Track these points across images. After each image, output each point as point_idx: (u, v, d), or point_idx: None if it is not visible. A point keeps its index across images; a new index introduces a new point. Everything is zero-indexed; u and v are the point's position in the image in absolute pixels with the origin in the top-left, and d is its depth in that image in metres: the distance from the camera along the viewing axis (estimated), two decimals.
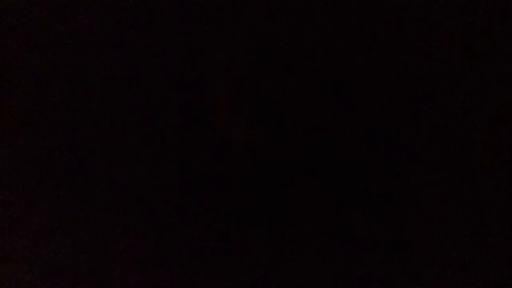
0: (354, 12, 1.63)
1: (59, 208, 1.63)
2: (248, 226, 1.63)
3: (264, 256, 1.62)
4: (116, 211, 1.63)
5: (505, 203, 1.58)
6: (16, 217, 1.64)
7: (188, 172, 1.65)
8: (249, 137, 1.65)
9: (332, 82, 1.64)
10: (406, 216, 1.61)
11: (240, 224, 1.63)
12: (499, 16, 1.59)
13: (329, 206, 1.62)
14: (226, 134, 1.65)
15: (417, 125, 1.61)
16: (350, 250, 1.61)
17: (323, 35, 1.64)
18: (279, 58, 1.65)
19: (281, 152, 1.65)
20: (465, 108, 1.60)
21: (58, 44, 1.65)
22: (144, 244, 1.63)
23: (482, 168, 1.59)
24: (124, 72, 1.65)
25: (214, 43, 1.65)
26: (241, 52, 1.66)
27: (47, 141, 1.64)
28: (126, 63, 1.65)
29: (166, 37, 1.65)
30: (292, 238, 1.62)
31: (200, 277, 1.62)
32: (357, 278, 1.60)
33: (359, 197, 1.62)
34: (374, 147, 1.62)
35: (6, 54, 1.65)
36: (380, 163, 1.62)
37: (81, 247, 1.62)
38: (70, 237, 1.63)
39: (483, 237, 1.58)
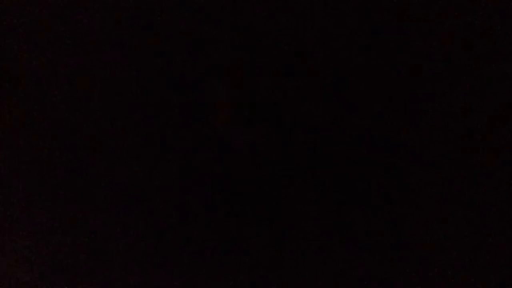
0: (354, 12, 1.63)
1: (59, 208, 1.63)
2: (248, 226, 1.63)
3: (264, 256, 1.62)
4: (116, 211, 1.63)
5: (505, 203, 1.58)
6: (16, 217, 1.64)
7: (188, 172, 1.65)
8: (249, 137, 1.65)
9: (332, 82, 1.64)
10: (406, 216, 1.61)
11: (240, 224, 1.63)
12: (499, 16, 1.59)
13: (329, 206, 1.62)
14: (226, 134, 1.65)
15: (417, 125, 1.61)
16: (350, 250, 1.61)
17: (323, 35, 1.64)
18: (279, 58, 1.65)
19: (281, 152, 1.65)
20: (465, 108, 1.60)
21: (58, 44, 1.65)
22: (144, 244, 1.63)
23: (482, 168, 1.59)
24: (124, 72, 1.65)
25: (214, 43, 1.65)
26: (241, 52, 1.66)
27: (47, 141, 1.64)
28: (126, 63, 1.65)
29: (166, 37, 1.65)
30: (292, 238, 1.62)
31: (200, 277, 1.62)
32: (357, 278, 1.60)
33: (359, 197, 1.62)
34: (374, 147, 1.62)
35: (6, 54, 1.65)
36: (380, 163, 1.62)
37: (81, 247, 1.62)
38: (70, 237, 1.63)
39: (483, 237, 1.58)
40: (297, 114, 1.65)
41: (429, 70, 1.61)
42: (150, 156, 1.64)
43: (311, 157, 1.64)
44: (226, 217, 1.63)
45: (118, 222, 1.63)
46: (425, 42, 1.61)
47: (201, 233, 1.63)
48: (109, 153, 1.64)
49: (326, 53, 1.64)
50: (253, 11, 1.64)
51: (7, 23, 1.64)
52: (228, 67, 1.65)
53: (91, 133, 1.64)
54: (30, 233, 1.63)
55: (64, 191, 1.64)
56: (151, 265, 1.62)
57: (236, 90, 1.66)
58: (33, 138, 1.64)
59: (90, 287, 1.61)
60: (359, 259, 1.60)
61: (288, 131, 1.64)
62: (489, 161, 1.59)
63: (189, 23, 1.65)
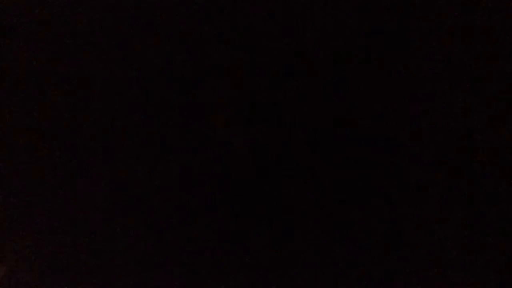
0: (354, 12, 1.63)
1: (59, 208, 1.63)
2: (248, 226, 1.63)
3: (264, 256, 1.62)
4: (116, 211, 1.64)
5: (505, 203, 1.58)
6: (16, 217, 1.64)
7: (188, 172, 1.65)
8: (248, 137, 1.66)
9: (332, 82, 1.64)
10: (406, 216, 1.61)
11: (240, 224, 1.63)
12: (499, 16, 1.59)
13: (329, 206, 1.62)
14: (226, 134, 1.65)
15: (417, 125, 1.61)
16: (350, 250, 1.61)
17: (323, 35, 1.64)
18: (279, 58, 1.65)
19: (281, 152, 1.65)
20: (465, 108, 1.60)
21: (58, 44, 1.65)
22: (144, 244, 1.63)
23: (482, 168, 1.59)
24: (124, 72, 1.65)
25: (214, 43, 1.65)
26: (241, 52, 1.66)
27: (47, 141, 1.64)
28: (126, 63, 1.65)
29: (166, 37, 1.66)
30: (292, 238, 1.62)
31: (200, 277, 1.62)
32: (357, 278, 1.60)
33: (359, 197, 1.62)
34: (374, 147, 1.62)
35: (6, 54, 1.65)
36: (380, 163, 1.62)
37: (81, 247, 1.62)
38: (70, 237, 1.63)
39: (483, 237, 1.58)
40: (297, 114, 1.65)
41: (429, 70, 1.61)
42: (150, 156, 1.65)
43: (311, 157, 1.64)
44: (226, 217, 1.63)
45: (118, 222, 1.63)
46: (425, 42, 1.61)
47: (201, 233, 1.63)
48: (109, 153, 1.64)
49: (326, 53, 1.64)
50: (253, 11, 1.64)
51: (7, 23, 1.64)
52: (228, 67, 1.65)
53: (91, 133, 1.64)
54: (30, 233, 1.63)
55: (64, 191, 1.64)
56: (151, 265, 1.62)
57: (236, 90, 1.66)
58: (33, 138, 1.64)
59: (90, 287, 1.61)
60: (359, 259, 1.60)
61: (288, 131, 1.64)
62: (489, 161, 1.59)
63: (189, 23, 1.65)
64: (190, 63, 1.65)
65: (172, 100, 1.65)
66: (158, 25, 1.65)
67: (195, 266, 1.62)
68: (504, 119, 1.59)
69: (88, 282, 1.61)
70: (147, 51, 1.65)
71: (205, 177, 1.64)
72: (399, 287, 1.59)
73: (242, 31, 1.65)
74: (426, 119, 1.61)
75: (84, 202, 1.63)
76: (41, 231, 1.63)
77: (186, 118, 1.65)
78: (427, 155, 1.61)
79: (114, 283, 1.61)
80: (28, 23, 1.65)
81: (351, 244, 1.61)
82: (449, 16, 1.60)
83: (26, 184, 1.64)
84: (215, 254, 1.62)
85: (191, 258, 1.62)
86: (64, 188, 1.64)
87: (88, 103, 1.65)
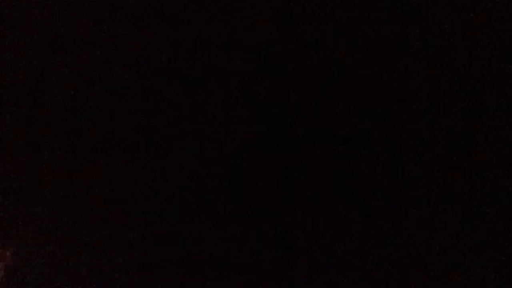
0: (354, 12, 1.63)
1: (59, 208, 1.63)
2: (248, 226, 1.63)
3: (264, 256, 1.62)
4: (116, 211, 1.63)
5: (505, 203, 1.58)
6: (16, 217, 1.64)
7: (188, 172, 1.65)
8: (248, 137, 1.66)
9: (332, 82, 1.65)
10: (406, 216, 1.61)
11: (240, 224, 1.63)
12: (499, 16, 1.59)
13: (329, 206, 1.62)
14: (225, 134, 1.65)
15: (417, 125, 1.61)
16: (350, 250, 1.61)
17: (323, 35, 1.64)
18: (280, 58, 1.65)
19: (281, 152, 1.65)
20: (465, 108, 1.60)
21: (58, 44, 1.65)
22: (144, 244, 1.63)
23: (482, 168, 1.59)
24: (124, 72, 1.65)
25: (214, 43, 1.65)
26: (241, 52, 1.66)
27: (47, 141, 1.64)
28: (126, 63, 1.65)
29: (166, 37, 1.65)
30: (292, 238, 1.62)
31: (200, 277, 1.62)
32: (357, 278, 1.60)
33: (359, 197, 1.62)
34: (374, 147, 1.62)
35: (6, 54, 1.65)
36: (380, 163, 1.62)
37: (81, 247, 1.62)
38: (70, 237, 1.63)
39: (483, 237, 1.58)
40: (297, 114, 1.65)
41: (429, 70, 1.61)
42: (150, 156, 1.64)
43: (311, 156, 1.64)
44: (226, 217, 1.63)
45: (118, 222, 1.63)
46: (425, 42, 1.61)
47: (201, 233, 1.63)
48: (109, 153, 1.64)
49: (327, 53, 1.64)
50: (253, 12, 1.64)
51: (7, 23, 1.64)
52: (228, 67, 1.65)
53: (91, 133, 1.64)
54: (30, 233, 1.63)
55: (64, 191, 1.64)
56: (151, 265, 1.62)
57: (236, 90, 1.66)
58: (33, 138, 1.64)
59: (90, 287, 1.61)
60: (359, 259, 1.60)
61: (288, 130, 1.64)
62: (489, 161, 1.59)
63: (189, 23, 1.65)
64: (190, 63, 1.65)
65: (172, 100, 1.65)
66: (158, 25, 1.65)
67: (195, 266, 1.62)
68: (504, 119, 1.59)
69: (88, 282, 1.61)
70: (147, 51, 1.65)
71: (205, 177, 1.64)
72: (399, 287, 1.59)
73: (242, 31, 1.65)
74: (426, 119, 1.61)
75: (84, 202, 1.63)
76: (41, 231, 1.63)
77: (186, 118, 1.65)
78: (427, 155, 1.61)
79: (114, 283, 1.61)
80: (28, 23, 1.64)
81: (350, 244, 1.61)
82: (449, 16, 1.60)
83: (26, 184, 1.64)
84: (215, 254, 1.62)
85: (191, 258, 1.62)
86: (64, 188, 1.64)
87: (88, 103, 1.65)
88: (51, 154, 1.64)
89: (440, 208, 1.60)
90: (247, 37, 1.66)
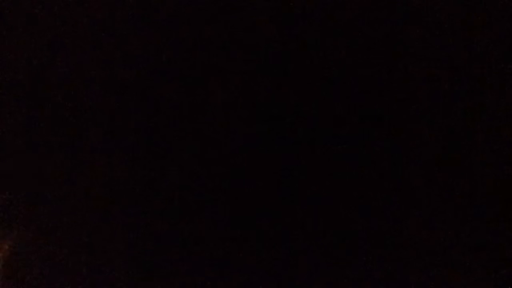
0: (353, 12, 1.63)
1: (59, 208, 1.63)
2: (248, 226, 1.63)
3: (264, 256, 1.62)
4: (116, 211, 1.63)
5: (505, 203, 1.58)
6: (16, 217, 1.64)
7: (188, 172, 1.64)
8: (248, 137, 1.65)
9: (332, 82, 1.64)
10: (406, 216, 1.61)
11: (240, 224, 1.63)
12: (499, 16, 1.59)
13: (329, 206, 1.62)
14: (226, 134, 1.65)
15: (417, 125, 1.61)
16: (350, 250, 1.61)
17: (324, 35, 1.64)
18: (280, 58, 1.65)
19: (281, 152, 1.64)
20: (465, 108, 1.60)
21: (58, 44, 1.65)
22: (144, 244, 1.62)
23: (482, 168, 1.59)
24: (124, 72, 1.65)
25: (214, 43, 1.65)
26: (241, 52, 1.66)
27: (47, 141, 1.64)
28: (126, 63, 1.65)
29: (166, 37, 1.65)
30: (292, 238, 1.62)
31: (200, 277, 1.61)
32: (357, 278, 1.60)
33: (359, 197, 1.62)
34: (374, 147, 1.62)
35: (6, 54, 1.65)
36: (380, 163, 1.62)
37: (81, 247, 1.62)
38: (70, 237, 1.63)
39: (483, 237, 1.58)
40: (297, 114, 1.65)
41: (429, 70, 1.61)
42: (150, 156, 1.64)
43: (311, 156, 1.64)
44: (226, 217, 1.63)
45: (118, 222, 1.63)
46: (425, 42, 1.61)
47: (201, 233, 1.63)
48: (109, 153, 1.64)
49: (327, 53, 1.64)
50: (253, 11, 1.64)
51: (7, 23, 1.64)
52: (228, 67, 1.65)
53: (91, 133, 1.64)
54: (30, 232, 1.63)
55: (64, 191, 1.64)
56: (151, 265, 1.62)
57: (236, 90, 1.66)
58: (33, 138, 1.64)
59: (90, 287, 1.61)
60: (359, 259, 1.60)
61: (287, 130, 1.64)
62: (489, 161, 1.59)
63: (189, 23, 1.65)
64: (190, 63, 1.65)
65: (172, 100, 1.65)
66: (158, 25, 1.65)
67: (195, 266, 1.62)
68: (504, 119, 1.59)
69: (88, 282, 1.61)
70: (147, 51, 1.65)
71: (205, 177, 1.64)
72: (399, 287, 1.59)
73: (242, 31, 1.65)
74: (426, 119, 1.61)
75: (84, 202, 1.63)
76: (41, 231, 1.63)
77: (186, 118, 1.64)
78: (427, 155, 1.61)
79: (114, 283, 1.61)
80: (28, 23, 1.64)
81: (351, 244, 1.61)
82: (449, 16, 1.60)
83: (26, 184, 1.64)
84: (215, 254, 1.62)
85: (191, 258, 1.62)
86: (64, 188, 1.64)
87: (88, 103, 1.64)
88: (51, 154, 1.64)
89: (440, 208, 1.60)
90: (247, 37, 1.65)
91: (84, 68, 1.65)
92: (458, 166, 1.60)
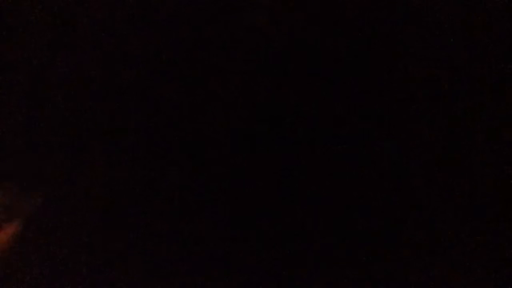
0: (354, 12, 1.63)
1: (59, 208, 1.63)
2: (248, 226, 1.63)
3: (264, 256, 1.62)
4: (116, 211, 1.63)
5: (505, 203, 1.58)
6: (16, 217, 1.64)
7: (188, 172, 1.64)
8: (248, 137, 1.66)
9: (332, 82, 1.64)
10: (406, 216, 1.61)
11: (240, 224, 1.63)
12: (499, 16, 1.59)
13: (330, 206, 1.62)
14: (226, 134, 1.65)
15: (417, 125, 1.61)
16: (350, 250, 1.61)
17: (323, 35, 1.64)
18: (280, 58, 1.65)
19: (281, 152, 1.64)
20: (465, 108, 1.60)
21: (58, 44, 1.65)
22: (144, 244, 1.62)
23: (482, 168, 1.59)
24: (124, 72, 1.65)
25: (214, 43, 1.65)
26: (241, 52, 1.66)
27: (47, 141, 1.64)
28: (126, 63, 1.65)
29: (166, 37, 1.65)
30: (292, 238, 1.62)
31: (200, 277, 1.61)
32: (357, 278, 1.60)
33: (359, 197, 1.62)
34: (374, 147, 1.62)
35: (6, 54, 1.65)
36: (380, 163, 1.62)
37: (81, 247, 1.62)
38: (70, 237, 1.63)
39: (483, 237, 1.58)
40: (297, 114, 1.65)
41: (429, 70, 1.61)
42: (150, 156, 1.64)
43: (311, 156, 1.64)
44: (226, 217, 1.63)
45: (118, 222, 1.63)
46: (425, 42, 1.61)
47: (201, 233, 1.63)
48: (109, 153, 1.64)
49: (326, 53, 1.64)
50: (253, 12, 1.64)
51: (7, 23, 1.64)
52: (228, 67, 1.65)
53: (91, 133, 1.64)
54: (30, 233, 1.63)
55: (64, 191, 1.64)
56: (151, 265, 1.62)
57: (236, 90, 1.66)
58: (33, 138, 1.64)
59: (90, 287, 1.61)
60: (359, 259, 1.60)
61: (287, 130, 1.64)
62: (489, 161, 1.59)
63: (189, 23, 1.65)
64: (190, 63, 1.65)
65: (172, 100, 1.65)
66: (158, 25, 1.65)
67: (195, 266, 1.62)
68: (504, 119, 1.59)
69: (88, 282, 1.61)
70: (147, 51, 1.65)
71: (205, 177, 1.64)
72: (399, 287, 1.59)
73: (242, 31, 1.65)
74: (426, 119, 1.61)
75: (84, 202, 1.63)
76: (41, 231, 1.63)
77: (186, 118, 1.64)
78: (427, 155, 1.61)
79: (114, 283, 1.61)
80: (28, 23, 1.64)
81: (350, 244, 1.61)
82: (449, 16, 1.60)
83: (26, 184, 1.64)
84: (215, 254, 1.62)
85: (191, 258, 1.62)
86: (64, 188, 1.64)
87: (88, 103, 1.64)
88: (51, 154, 1.64)
89: (440, 208, 1.60)
90: (247, 37, 1.65)
91: (84, 68, 1.65)
92: (458, 166, 1.60)
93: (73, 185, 1.64)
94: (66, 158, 1.64)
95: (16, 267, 1.62)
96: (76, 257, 1.62)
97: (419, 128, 1.61)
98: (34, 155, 1.64)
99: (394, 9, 1.62)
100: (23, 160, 1.64)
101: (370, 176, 1.62)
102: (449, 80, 1.61)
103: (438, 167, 1.60)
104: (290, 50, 1.65)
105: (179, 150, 1.65)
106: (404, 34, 1.62)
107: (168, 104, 1.65)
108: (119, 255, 1.62)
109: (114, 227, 1.63)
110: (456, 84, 1.60)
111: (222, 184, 1.64)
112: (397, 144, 1.62)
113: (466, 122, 1.60)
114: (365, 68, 1.63)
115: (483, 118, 1.59)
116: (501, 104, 1.59)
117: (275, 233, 1.62)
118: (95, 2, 1.65)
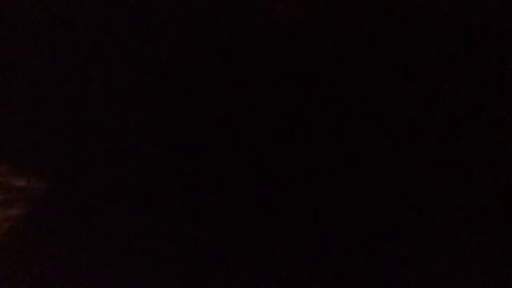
0: (354, 12, 1.63)
1: (59, 207, 1.63)
2: (248, 226, 1.63)
3: (264, 256, 1.62)
4: (117, 211, 1.64)
5: (505, 203, 1.58)
6: (16, 217, 1.64)
7: (188, 172, 1.65)
8: (248, 137, 1.66)
9: (332, 83, 1.65)
10: (406, 216, 1.61)
11: (240, 223, 1.63)
12: (499, 16, 1.59)
13: (330, 207, 1.62)
14: (226, 134, 1.65)
15: (417, 125, 1.62)
16: (350, 250, 1.61)
17: (324, 35, 1.64)
18: (280, 59, 1.65)
19: (281, 152, 1.65)
20: (465, 108, 1.60)
21: (58, 44, 1.65)
22: (144, 244, 1.63)
23: (482, 168, 1.59)
24: (124, 72, 1.65)
25: (214, 44, 1.65)
26: (241, 52, 1.66)
27: (47, 141, 1.64)
28: (126, 63, 1.65)
29: (166, 37, 1.66)
30: (293, 238, 1.62)
31: (200, 277, 1.62)
32: (357, 278, 1.60)
33: (359, 197, 1.62)
34: (374, 147, 1.63)
35: (6, 54, 1.65)
36: (381, 163, 1.62)
37: (81, 247, 1.63)
38: (70, 237, 1.63)
39: (483, 237, 1.58)
40: (297, 114, 1.65)
41: (429, 70, 1.61)
42: (150, 156, 1.65)
43: (311, 157, 1.64)
44: (226, 217, 1.63)
45: (118, 222, 1.63)
46: (425, 42, 1.61)
47: (201, 233, 1.63)
48: (109, 153, 1.64)
49: (327, 53, 1.64)
50: (253, 12, 1.64)
51: (7, 23, 1.64)
52: (228, 67, 1.65)
53: (91, 133, 1.64)
54: (30, 233, 1.63)
55: (64, 190, 1.64)
56: (151, 265, 1.62)
57: (236, 90, 1.66)
58: (33, 138, 1.64)
59: (90, 287, 1.61)
60: (358, 259, 1.60)
61: (287, 131, 1.64)
62: (489, 161, 1.59)
63: (189, 23, 1.65)
64: (190, 63, 1.65)
65: (172, 100, 1.65)
66: (158, 25, 1.65)
67: (195, 266, 1.62)
68: (504, 119, 1.59)
69: (88, 282, 1.61)
70: (147, 51, 1.65)
71: (205, 177, 1.64)
72: (399, 287, 1.59)
73: (242, 32, 1.65)
74: (426, 119, 1.61)
75: (84, 202, 1.63)
76: (41, 230, 1.63)
77: (186, 118, 1.65)
78: (427, 155, 1.61)
79: (114, 283, 1.61)
80: (28, 23, 1.65)
81: (350, 244, 1.61)
82: (449, 16, 1.60)
83: (26, 184, 1.64)
84: (215, 254, 1.62)
85: (191, 258, 1.62)
86: (64, 188, 1.64)
87: (88, 103, 1.65)
88: (51, 154, 1.64)
89: (440, 208, 1.60)
90: (247, 37, 1.66)
91: (84, 68, 1.65)
92: (458, 166, 1.60)
93: (73, 185, 1.64)
94: (66, 158, 1.64)
95: (16, 267, 1.62)
96: (76, 257, 1.62)
97: (419, 128, 1.61)
98: (34, 155, 1.64)
99: (394, 9, 1.62)
100: (23, 160, 1.64)
101: (370, 176, 1.62)
102: (449, 80, 1.61)
103: (438, 167, 1.60)
104: (290, 50, 1.65)
105: (179, 150, 1.65)
106: (404, 34, 1.63)
107: (168, 104, 1.65)
108: (119, 255, 1.62)
109: (114, 227, 1.63)
110: (456, 84, 1.61)
111: (222, 184, 1.64)
112: (397, 144, 1.62)
113: (466, 122, 1.60)
114: (365, 68, 1.64)
115: (483, 118, 1.59)
116: (501, 104, 1.59)
117: (275, 233, 1.62)
118: (95, 2, 1.65)
